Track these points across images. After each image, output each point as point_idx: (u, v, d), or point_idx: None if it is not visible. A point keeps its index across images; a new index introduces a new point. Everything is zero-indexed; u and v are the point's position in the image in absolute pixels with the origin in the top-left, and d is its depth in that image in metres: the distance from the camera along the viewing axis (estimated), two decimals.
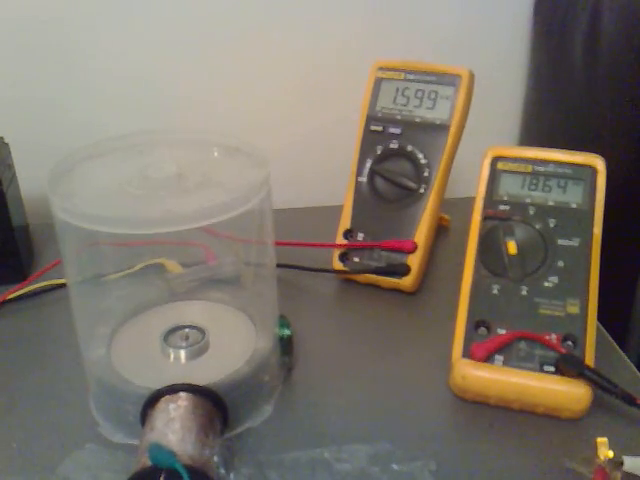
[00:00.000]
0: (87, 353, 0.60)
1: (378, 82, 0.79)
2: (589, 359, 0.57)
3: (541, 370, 0.58)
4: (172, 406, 0.51)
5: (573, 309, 0.59)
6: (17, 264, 0.78)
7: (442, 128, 0.75)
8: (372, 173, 0.77)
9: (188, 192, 0.55)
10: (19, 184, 0.82)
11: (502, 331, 0.59)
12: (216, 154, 0.62)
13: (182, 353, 0.59)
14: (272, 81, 0.96)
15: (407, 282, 0.74)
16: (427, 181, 0.75)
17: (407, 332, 0.71)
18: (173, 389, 0.52)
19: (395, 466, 0.52)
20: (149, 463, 0.46)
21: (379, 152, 0.77)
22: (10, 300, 0.74)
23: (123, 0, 0.89)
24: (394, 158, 0.77)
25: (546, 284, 0.61)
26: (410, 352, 0.67)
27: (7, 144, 0.81)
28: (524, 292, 0.61)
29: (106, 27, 0.90)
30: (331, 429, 0.57)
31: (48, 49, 0.90)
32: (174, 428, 0.49)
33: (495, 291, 0.61)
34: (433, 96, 0.77)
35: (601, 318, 0.62)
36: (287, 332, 0.62)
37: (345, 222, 0.78)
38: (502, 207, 0.64)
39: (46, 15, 0.88)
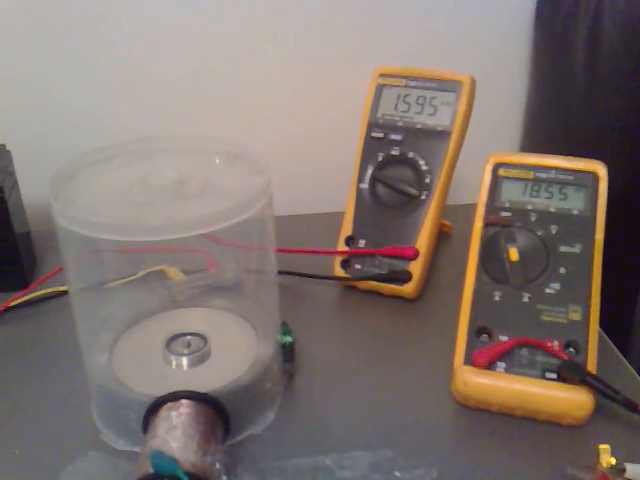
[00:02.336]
0: (89, 360, 0.60)
1: (379, 89, 0.79)
2: (591, 366, 0.57)
3: (543, 377, 0.57)
4: (174, 413, 0.51)
5: (575, 316, 0.59)
6: (19, 271, 0.78)
7: (443, 134, 0.75)
8: (373, 180, 0.77)
9: (189, 199, 0.56)
10: (21, 191, 0.82)
11: (504, 338, 0.59)
12: (217, 161, 0.62)
13: (184, 360, 0.59)
14: (272, 87, 0.97)
15: (409, 289, 0.74)
16: (428, 188, 0.75)
17: (409, 339, 0.71)
18: (175, 396, 0.52)
19: (397, 473, 0.52)
20: (151, 470, 0.46)
21: (380, 159, 0.77)
22: (12, 307, 0.74)
23: (124, 6, 0.90)
24: (395, 165, 0.77)
25: (548, 291, 0.61)
26: (412, 359, 0.67)
27: (9, 151, 0.81)
28: (526, 299, 0.61)
29: (107, 34, 0.91)
30: (333, 436, 0.57)
31: (50, 57, 0.91)
32: (176, 435, 0.49)
33: (497, 298, 0.61)
34: (434, 102, 0.77)
35: (603, 325, 0.62)
36: (289, 339, 0.62)
37: (346, 229, 0.78)
38: (504, 214, 0.64)
39: (48, 20, 0.89)
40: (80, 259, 0.59)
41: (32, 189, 0.81)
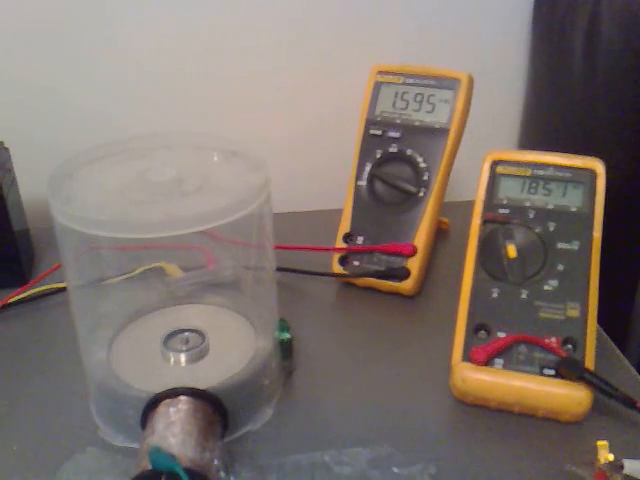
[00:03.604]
0: (87, 357, 0.60)
1: (377, 86, 0.79)
2: (589, 362, 0.57)
3: (541, 373, 0.58)
4: (172, 410, 0.51)
5: (573, 312, 0.59)
6: (17, 268, 0.78)
7: (441, 132, 0.75)
8: (372, 177, 0.77)
9: (188, 196, 0.56)
10: (19, 188, 0.82)
11: (502, 334, 0.59)
12: (216, 158, 0.62)
13: (182, 357, 0.59)
14: (270, 84, 0.97)
15: (407, 286, 0.74)
16: (427, 185, 0.75)
17: (407, 336, 0.71)
18: (173, 393, 0.52)
19: (395, 469, 0.52)
20: (149, 466, 0.46)
21: (379, 156, 0.77)
22: (10, 304, 0.74)
23: (123, 5, 0.90)
24: (393, 162, 0.77)
25: (546, 287, 0.61)
26: (410, 356, 0.67)
27: (7, 148, 0.81)
28: (524, 295, 0.61)
29: (105, 32, 0.91)
30: (331, 432, 0.57)
31: (49, 53, 0.90)
32: (174, 431, 0.49)
33: (495, 295, 0.61)
34: (432, 100, 0.77)
35: (601, 321, 0.62)
36: (287, 335, 0.62)
37: (345, 226, 0.78)
38: (502, 211, 0.64)
39: (48, 18, 0.89)
40: (78, 256, 0.59)
41: (31, 186, 0.81)
